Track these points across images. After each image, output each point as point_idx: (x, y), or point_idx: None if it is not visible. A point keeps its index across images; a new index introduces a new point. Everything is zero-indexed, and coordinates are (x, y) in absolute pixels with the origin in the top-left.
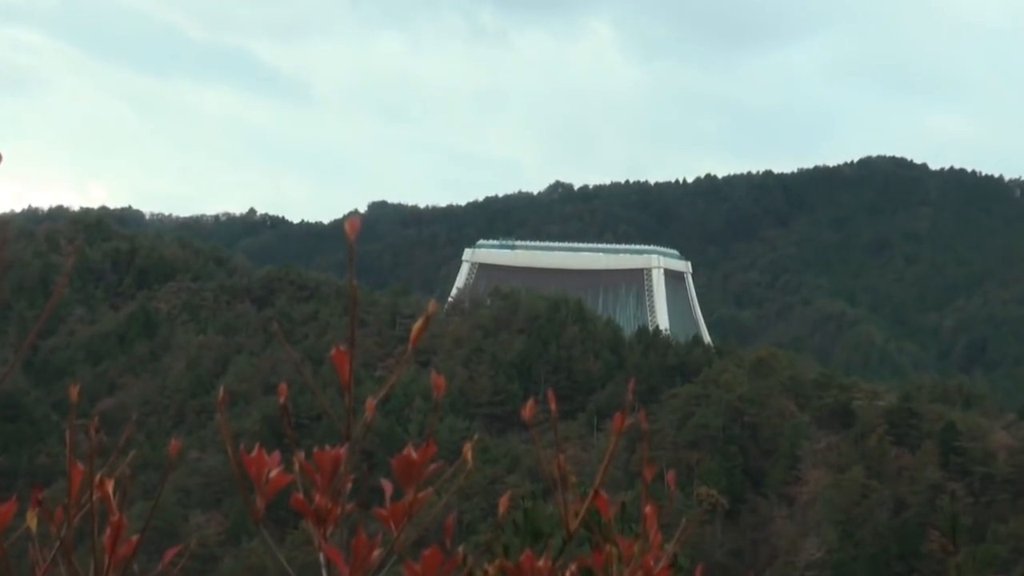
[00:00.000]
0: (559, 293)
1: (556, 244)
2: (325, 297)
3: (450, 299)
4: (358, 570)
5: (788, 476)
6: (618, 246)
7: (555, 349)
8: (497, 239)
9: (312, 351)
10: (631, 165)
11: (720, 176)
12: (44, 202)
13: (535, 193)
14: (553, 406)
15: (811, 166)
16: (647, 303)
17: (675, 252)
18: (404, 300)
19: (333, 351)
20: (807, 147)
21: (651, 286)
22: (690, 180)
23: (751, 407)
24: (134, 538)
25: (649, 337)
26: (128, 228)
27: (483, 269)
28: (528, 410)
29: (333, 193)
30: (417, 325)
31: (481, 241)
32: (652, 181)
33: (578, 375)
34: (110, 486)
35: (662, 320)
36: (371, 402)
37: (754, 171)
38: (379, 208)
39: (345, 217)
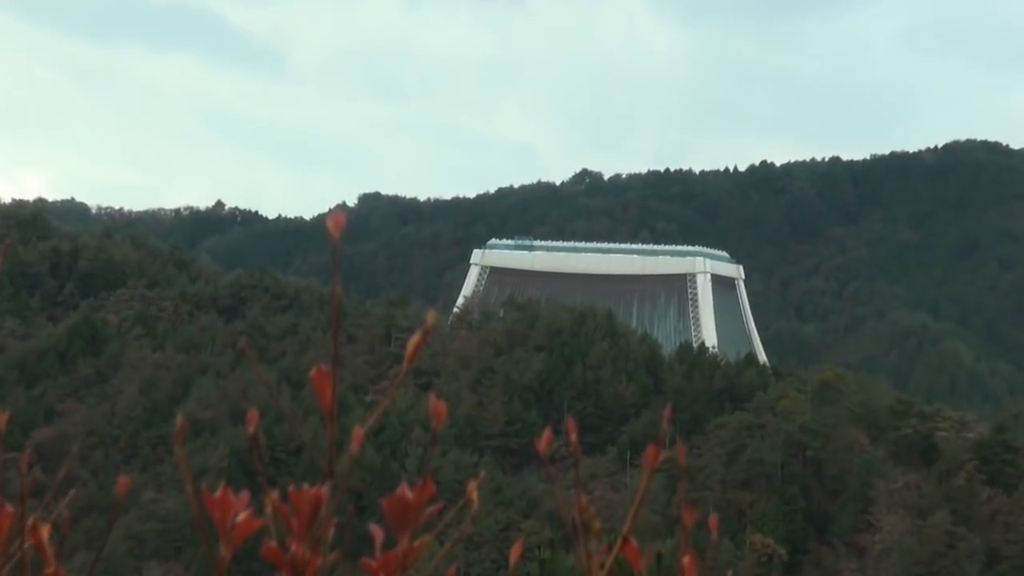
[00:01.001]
0: (585, 303)
1: (582, 244)
2: (306, 307)
3: (456, 309)
4: None
5: (859, 522)
6: (656, 247)
7: (580, 370)
8: (512, 238)
9: (290, 371)
10: (671, 151)
11: (778, 164)
12: None
13: (557, 184)
14: (574, 436)
15: (886, 152)
16: (690, 315)
17: (724, 254)
18: (401, 311)
19: (314, 371)
20: (881, 130)
21: (695, 294)
22: (742, 168)
23: (814, 439)
24: None
25: (693, 355)
26: (70, 224)
27: (495, 274)
28: (545, 442)
29: (316, 183)
30: (415, 340)
31: (493, 241)
32: (696, 170)
33: (608, 401)
34: (45, 532)
35: (708, 335)
36: (359, 432)
37: (818, 158)
38: (371, 201)
39: (330, 212)
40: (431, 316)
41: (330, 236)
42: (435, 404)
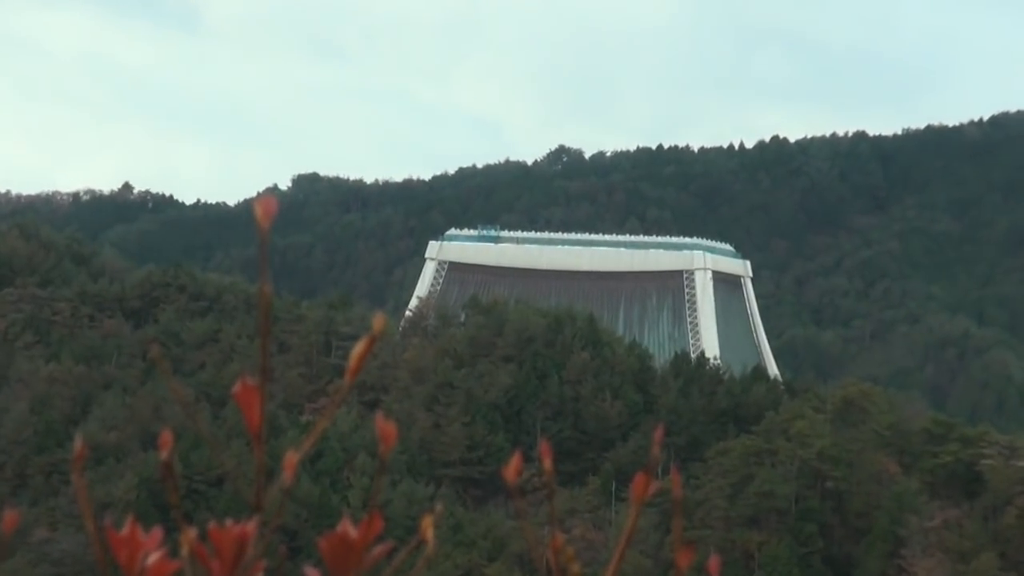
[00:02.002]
0: (563, 305)
1: (558, 236)
2: (229, 310)
3: (408, 313)
4: None
5: (888, 566)
6: (647, 239)
7: (556, 385)
8: (475, 228)
9: (210, 386)
10: (664, 124)
11: (792, 140)
12: None
13: (528, 163)
14: (548, 464)
15: (921, 126)
16: (688, 320)
17: (727, 247)
18: (342, 314)
19: (239, 386)
20: (915, 99)
21: (693, 295)
22: (749, 145)
23: (835, 468)
24: None
25: (690, 368)
26: None
27: (455, 270)
28: (514, 470)
29: (242, 162)
30: (359, 349)
31: (452, 231)
32: (694, 146)
33: (589, 422)
34: None
35: (709, 344)
36: (292, 458)
37: (840, 133)
38: (308, 184)
39: (258, 196)
40: (378, 320)
41: (258, 225)
42: (383, 425)
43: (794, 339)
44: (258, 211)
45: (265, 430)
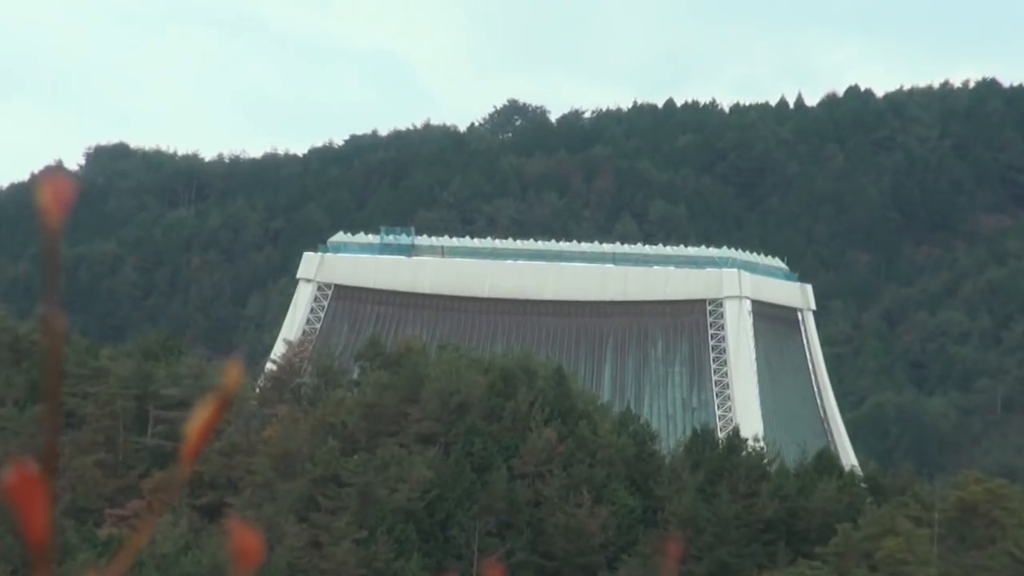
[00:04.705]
0: (516, 353)
1: (508, 244)
2: None
3: (270, 366)
4: None
5: None
6: (649, 249)
7: (504, 481)
8: (376, 231)
9: None
10: (677, 67)
11: (878, 93)
12: None
13: (461, 129)
14: None
15: None
16: (713, 377)
17: (777, 264)
18: (167, 368)
19: (8, 479)
20: None
21: (723, 339)
22: (810, 101)
23: None
24: None
25: (718, 453)
26: None
27: (345, 299)
28: None
29: (6, 127)
30: (197, 422)
31: (340, 236)
32: (724, 103)
33: (557, 540)
34: None
35: (746, 415)
36: None
37: (954, 81)
38: (111, 160)
39: (38, 178)
40: (233, 372)
41: (42, 222)
42: (243, 539)
43: (882, 408)
44: (44, 197)
45: (50, 549)
